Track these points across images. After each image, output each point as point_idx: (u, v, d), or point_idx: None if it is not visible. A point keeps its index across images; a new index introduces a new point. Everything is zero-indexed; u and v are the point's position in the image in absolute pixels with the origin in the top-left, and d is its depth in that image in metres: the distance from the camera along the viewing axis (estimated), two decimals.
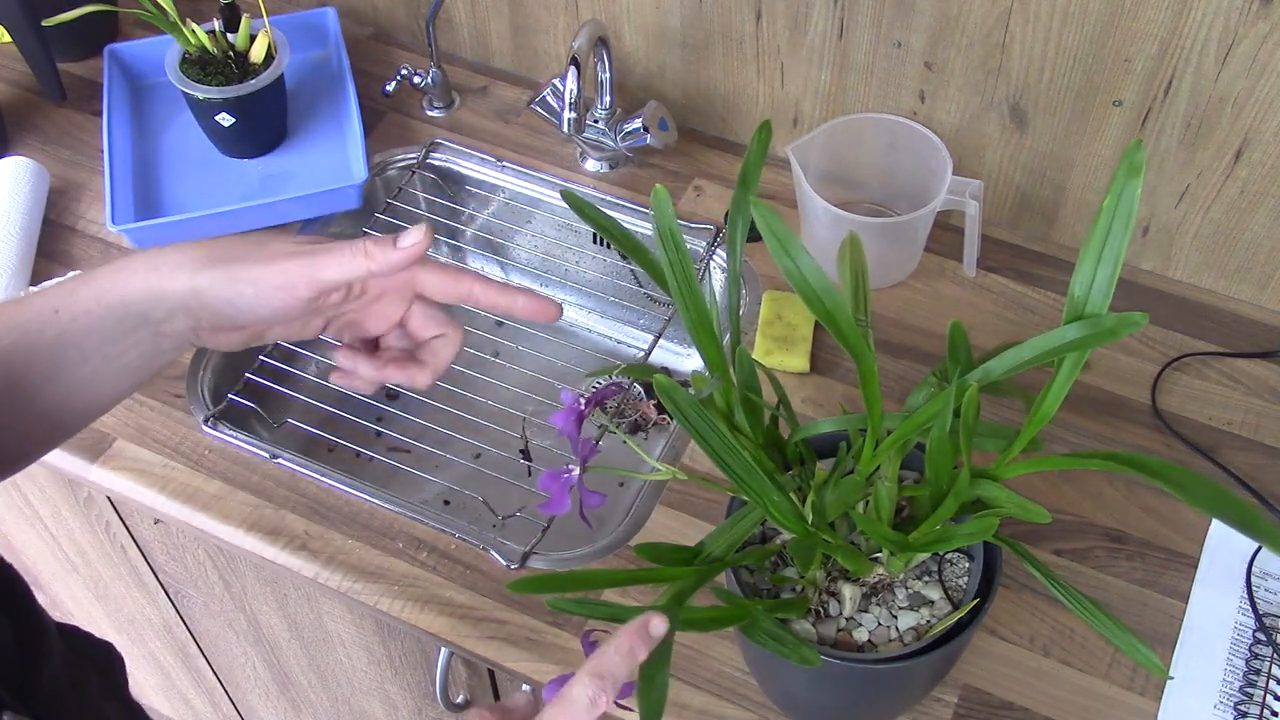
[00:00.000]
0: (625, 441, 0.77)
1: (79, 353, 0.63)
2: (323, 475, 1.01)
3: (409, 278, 0.68)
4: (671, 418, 1.11)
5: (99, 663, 0.62)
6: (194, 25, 1.17)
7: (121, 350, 0.64)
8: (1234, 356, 1.07)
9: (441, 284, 0.68)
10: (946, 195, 1.06)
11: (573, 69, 1.07)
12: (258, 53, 1.19)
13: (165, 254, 0.63)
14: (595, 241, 1.27)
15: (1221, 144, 1.02)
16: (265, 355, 1.10)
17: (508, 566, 0.96)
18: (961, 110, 1.11)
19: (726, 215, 1.18)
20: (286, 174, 1.23)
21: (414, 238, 0.63)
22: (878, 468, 0.72)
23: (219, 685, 1.46)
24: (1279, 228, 1.05)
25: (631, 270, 1.27)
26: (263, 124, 1.23)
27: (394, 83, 1.28)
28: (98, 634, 0.67)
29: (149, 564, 1.24)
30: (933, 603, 0.77)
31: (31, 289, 1.10)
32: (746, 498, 0.70)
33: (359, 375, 0.69)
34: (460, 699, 1.10)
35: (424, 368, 0.69)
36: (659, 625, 0.58)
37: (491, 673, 1.05)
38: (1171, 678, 0.89)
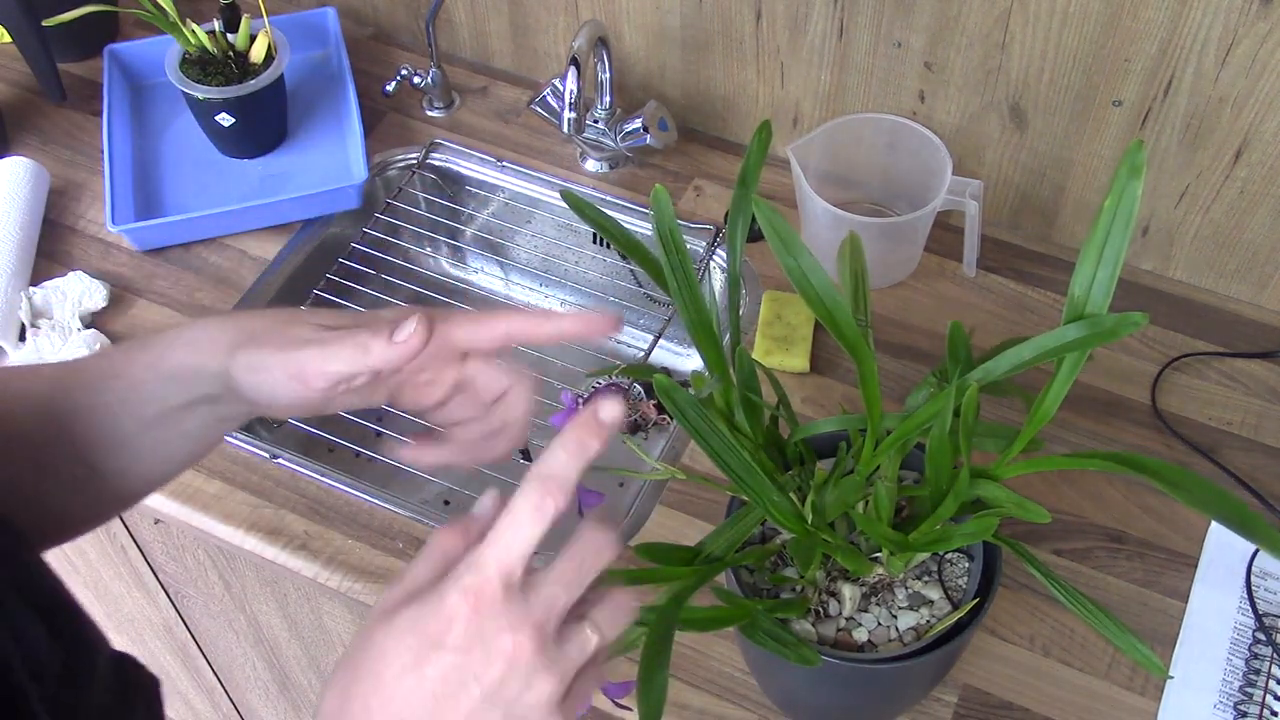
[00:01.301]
0: (625, 441, 0.77)
1: (139, 422, 0.62)
2: (323, 475, 1.01)
3: (442, 343, 0.63)
4: (671, 418, 1.11)
5: (144, 696, 0.60)
6: (194, 25, 1.17)
7: (181, 419, 0.62)
8: (1234, 356, 1.07)
9: (474, 335, 0.63)
10: (946, 195, 1.06)
11: (573, 69, 1.07)
12: (258, 53, 1.19)
13: (207, 329, 0.62)
14: (595, 241, 1.27)
15: (1221, 144, 1.02)
16: None
17: None
18: (961, 110, 1.11)
19: (726, 215, 1.18)
20: (286, 174, 1.23)
21: (405, 332, 0.59)
22: (877, 468, 0.72)
23: (219, 685, 1.46)
24: (1279, 228, 1.05)
25: (631, 270, 1.27)
26: (263, 124, 1.23)
27: (394, 83, 1.28)
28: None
29: (149, 564, 1.24)
30: (932, 603, 0.77)
31: (31, 290, 1.10)
32: (746, 498, 0.70)
33: (427, 462, 0.66)
34: None
35: (499, 436, 0.66)
36: (611, 409, 0.50)
37: None
38: (1171, 677, 0.89)
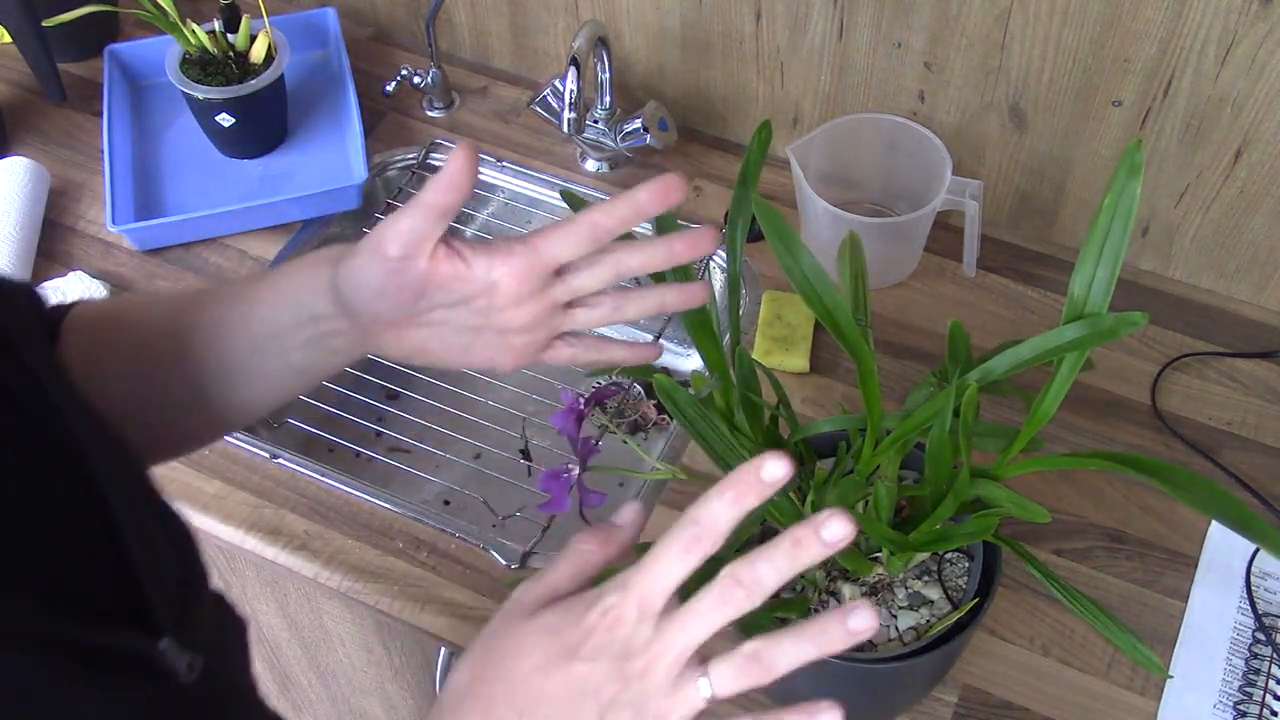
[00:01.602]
0: (625, 441, 0.77)
1: (251, 343, 0.65)
2: (323, 475, 1.01)
3: (533, 261, 0.61)
4: (671, 418, 1.11)
5: (235, 631, 0.64)
6: (194, 25, 1.17)
7: (290, 347, 0.65)
8: (1234, 356, 1.07)
9: (561, 242, 0.62)
10: (946, 195, 1.06)
11: (573, 69, 1.07)
12: (258, 53, 1.19)
13: (324, 251, 0.65)
14: None
15: (1221, 144, 1.02)
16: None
17: (508, 566, 0.96)
18: (961, 110, 1.11)
19: (726, 215, 1.18)
20: (286, 174, 1.23)
21: (449, 167, 0.59)
22: (877, 468, 0.72)
23: None
24: (1279, 228, 1.05)
25: None
26: (263, 124, 1.23)
27: (394, 83, 1.28)
28: None
29: None
30: (932, 602, 0.77)
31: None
32: None
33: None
34: None
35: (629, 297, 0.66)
36: (776, 468, 0.47)
37: None
38: (1171, 677, 0.89)
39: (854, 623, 0.47)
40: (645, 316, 0.66)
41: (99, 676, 0.45)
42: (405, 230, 0.59)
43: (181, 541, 0.56)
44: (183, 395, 0.66)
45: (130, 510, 0.50)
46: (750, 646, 0.49)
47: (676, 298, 0.66)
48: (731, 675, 0.49)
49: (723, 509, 0.48)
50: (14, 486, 0.46)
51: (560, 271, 0.63)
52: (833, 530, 0.47)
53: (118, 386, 0.62)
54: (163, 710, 0.49)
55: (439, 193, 0.58)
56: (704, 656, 0.49)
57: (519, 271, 0.61)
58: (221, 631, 0.60)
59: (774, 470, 0.47)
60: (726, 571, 0.49)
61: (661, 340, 1.12)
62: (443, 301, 0.62)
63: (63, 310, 0.66)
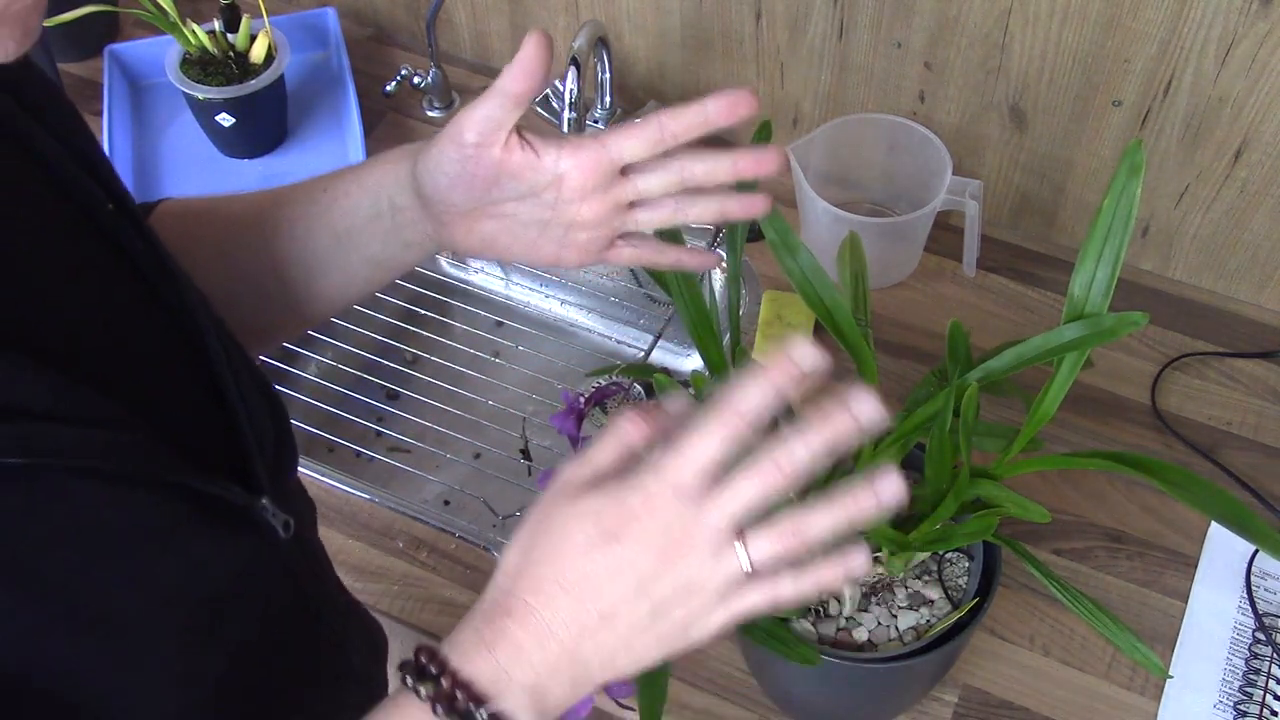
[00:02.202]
0: None
1: (332, 234, 0.67)
2: (323, 475, 1.01)
3: (601, 158, 0.63)
4: None
5: (311, 510, 0.67)
6: (194, 25, 1.17)
7: (369, 239, 0.67)
8: (1234, 356, 1.07)
9: (631, 141, 0.63)
10: (946, 195, 1.06)
11: (573, 69, 1.07)
12: (258, 53, 1.19)
13: (405, 146, 0.67)
14: None
15: (1221, 144, 1.02)
16: (265, 355, 1.10)
17: None
18: (961, 110, 1.11)
19: None
20: (286, 174, 1.23)
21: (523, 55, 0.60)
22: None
23: None
24: (1278, 228, 1.05)
25: (631, 270, 1.27)
26: (263, 124, 1.23)
27: (394, 83, 1.28)
28: None
29: None
30: (932, 602, 0.77)
31: None
32: None
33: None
34: None
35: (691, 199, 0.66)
36: (806, 354, 0.50)
37: None
38: (1171, 677, 0.89)
39: (884, 492, 0.50)
40: (705, 221, 0.66)
41: (209, 522, 0.49)
42: (482, 117, 0.61)
43: (277, 411, 0.59)
44: (266, 287, 0.68)
45: (235, 375, 0.54)
46: (785, 516, 0.51)
47: (737, 206, 0.66)
48: (768, 544, 0.51)
49: (760, 396, 0.50)
50: (138, 343, 0.51)
51: (626, 172, 0.64)
52: (862, 408, 0.49)
53: (204, 277, 0.64)
54: (266, 560, 0.54)
55: (513, 80, 0.59)
56: (740, 529, 0.51)
57: (586, 164, 0.63)
58: (306, 505, 0.65)
59: (805, 356, 0.49)
60: (761, 452, 0.50)
61: (662, 340, 1.12)
62: (513, 193, 0.63)
63: (151, 204, 0.69)
